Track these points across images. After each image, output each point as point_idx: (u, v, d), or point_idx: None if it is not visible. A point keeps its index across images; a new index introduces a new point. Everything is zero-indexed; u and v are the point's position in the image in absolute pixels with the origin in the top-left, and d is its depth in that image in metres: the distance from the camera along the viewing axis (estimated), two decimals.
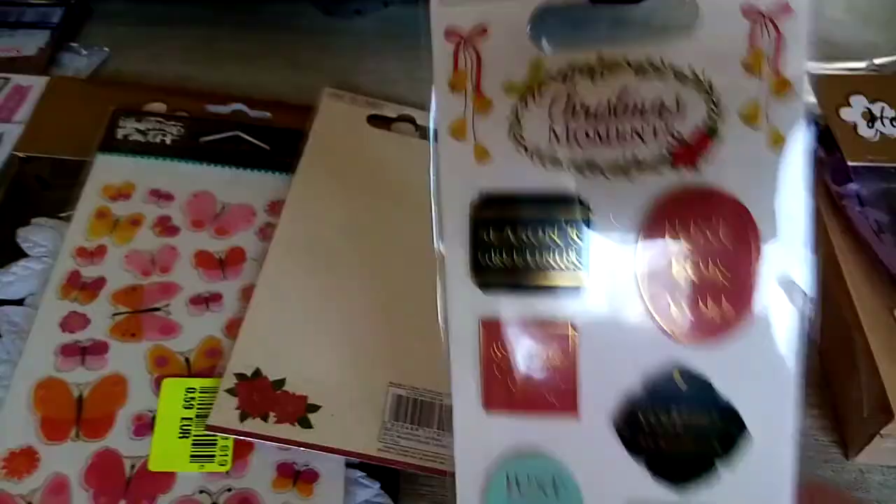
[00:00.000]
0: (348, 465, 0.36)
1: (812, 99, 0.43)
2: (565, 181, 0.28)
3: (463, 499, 0.29)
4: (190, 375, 0.38)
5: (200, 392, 0.37)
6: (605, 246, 0.28)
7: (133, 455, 0.35)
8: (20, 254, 0.41)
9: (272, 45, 0.57)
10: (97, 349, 0.38)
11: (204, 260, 0.42)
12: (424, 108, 0.51)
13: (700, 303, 0.27)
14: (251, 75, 0.54)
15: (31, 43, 0.54)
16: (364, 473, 0.37)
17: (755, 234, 0.27)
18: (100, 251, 0.41)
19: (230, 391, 0.37)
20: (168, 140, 0.46)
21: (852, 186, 0.41)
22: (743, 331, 0.27)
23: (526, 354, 0.29)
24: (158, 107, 0.49)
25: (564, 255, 0.28)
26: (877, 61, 0.49)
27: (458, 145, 0.29)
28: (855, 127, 0.42)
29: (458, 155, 0.29)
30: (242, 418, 0.36)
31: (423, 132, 0.51)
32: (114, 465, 0.35)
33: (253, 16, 0.58)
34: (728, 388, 0.28)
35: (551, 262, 0.28)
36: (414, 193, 0.46)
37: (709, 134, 0.27)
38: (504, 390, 0.29)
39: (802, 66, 0.26)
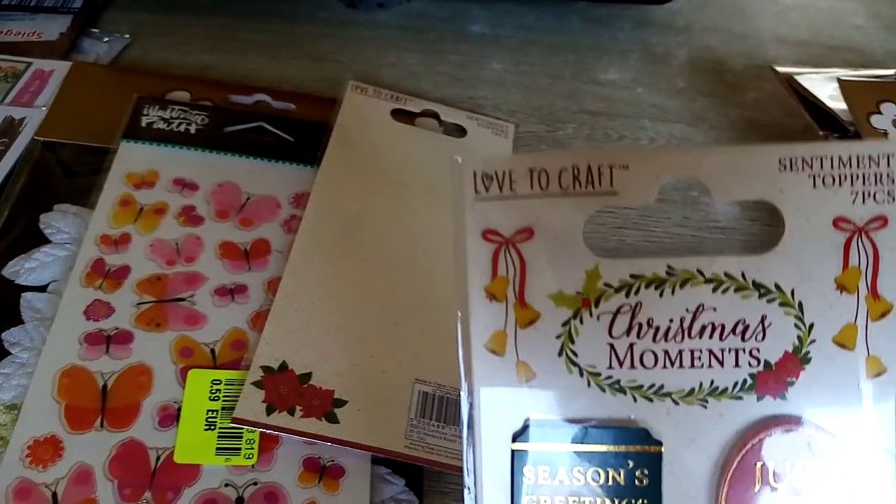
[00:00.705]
0: (374, 461, 0.36)
1: (842, 105, 0.43)
2: (629, 409, 0.24)
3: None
4: (215, 367, 0.37)
5: (226, 384, 0.37)
6: (678, 492, 0.24)
7: (158, 446, 0.35)
8: (43, 240, 0.41)
9: (294, 36, 0.56)
10: (122, 338, 0.38)
11: (229, 251, 0.41)
12: (447, 103, 0.52)
13: None
14: (273, 66, 0.54)
15: (52, 27, 0.53)
16: (390, 470, 0.36)
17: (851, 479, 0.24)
18: (124, 239, 0.41)
19: (256, 384, 0.36)
20: (192, 129, 0.46)
21: None
22: None
23: None
24: (182, 95, 0.49)
25: (630, 500, 0.24)
26: None
27: (497, 361, 0.25)
28: (886, 135, 0.42)
29: (497, 373, 0.25)
30: (269, 411, 0.35)
31: (446, 128, 0.51)
32: (139, 455, 0.35)
33: (276, 6, 0.58)
34: None
35: None
36: (438, 189, 0.46)
37: (799, 359, 0.24)
38: None
39: None
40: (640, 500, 0.24)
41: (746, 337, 0.24)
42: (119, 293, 0.39)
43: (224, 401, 0.36)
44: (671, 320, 0.24)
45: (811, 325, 0.24)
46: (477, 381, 0.25)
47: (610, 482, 0.24)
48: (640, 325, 0.24)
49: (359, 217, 0.43)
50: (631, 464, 0.24)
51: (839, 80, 0.44)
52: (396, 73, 0.54)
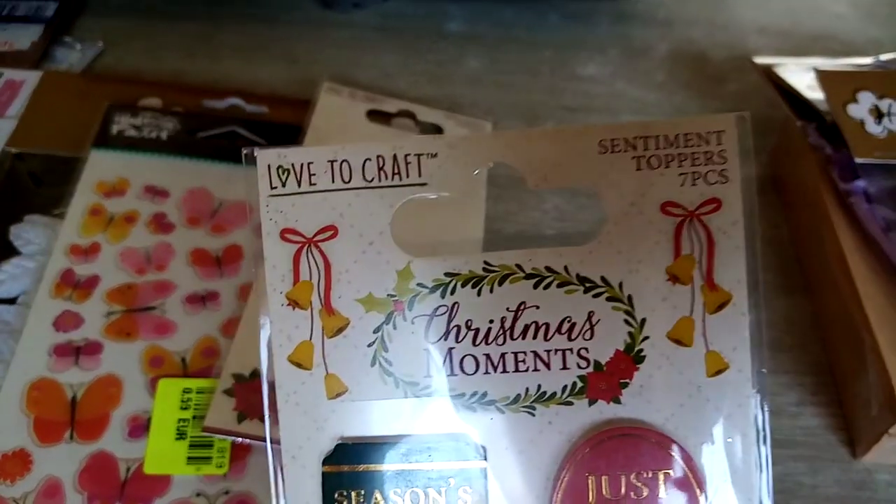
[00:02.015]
0: None
1: (819, 95, 0.43)
2: (450, 420, 0.22)
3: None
4: (186, 376, 0.37)
5: (197, 393, 0.36)
6: (511, 500, 0.22)
7: (128, 457, 0.35)
8: (12, 252, 0.41)
9: (269, 38, 0.56)
10: (91, 349, 0.37)
11: (200, 258, 0.41)
12: (424, 103, 0.51)
13: None
14: (248, 69, 0.53)
15: (23, 37, 0.53)
16: None
17: (696, 486, 0.22)
18: (94, 249, 0.40)
19: (227, 392, 0.36)
20: (163, 135, 0.46)
21: (860, 183, 0.40)
22: None
23: None
24: (154, 102, 0.48)
25: None
26: (883, 57, 0.48)
27: (303, 377, 0.23)
28: (862, 123, 0.41)
29: (304, 391, 0.23)
30: (240, 419, 0.35)
31: (423, 127, 0.50)
32: (108, 467, 0.34)
33: (250, 9, 0.57)
34: None
35: None
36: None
37: (632, 357, 0.22)
38: None
39: (741, 273, 0.22)
40: None
41: (573, 336, 0.22)
42: (89, 303, 0.39)
43: (195, 410, 0.36)
44: (491, 321, 0.22)
45: (643, 321, 0.22)
46: (281, 399, 0.23)
47: (430, 501, 0.22)
48: (459, 328, 0.22)
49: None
50: (453, 482, 0.22)
51: (815, 70, 0.43)
52: (373, 74, 0.54)
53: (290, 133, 0.46)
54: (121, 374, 0.37)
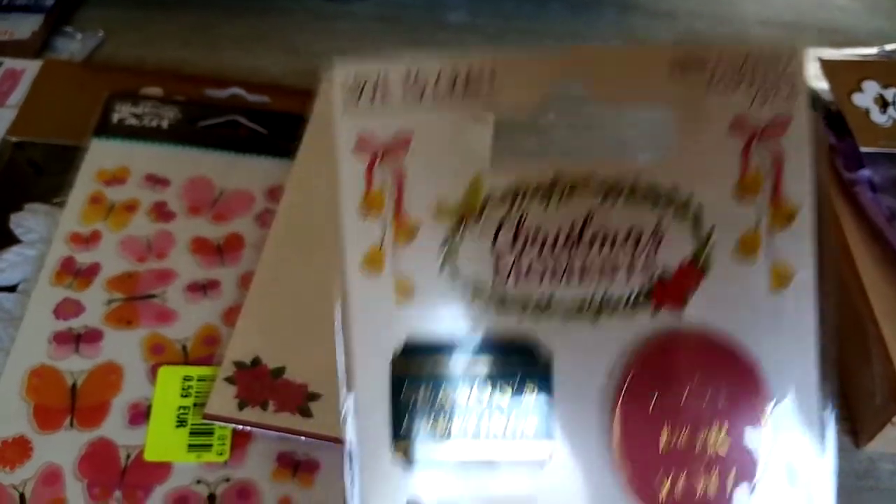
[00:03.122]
0: None
1: (823, 85, 0.42)
2: (515, 326, 0.22)
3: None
4: (187, 363, 0.37)
5: (198, 380, 0.36)
6: (570, 408, 0.22)
7: (128, 444, 0.34)
8: (13, 240, 0.40)
9: (269, 29, 0.56)
10: (91, 337, 0.37)
11: (201, 246, 0.41)
12: None
13: (692, 478, 0.22)
14: (249, 59, 0.53)
15: (24, 26, 0.53)
16: None
17: (760, 395, 0.22)
18: (94, 237, 0.40)
19: (228, 379, 0.36)
20: (164, 124, 0.45)
21: (864, 173, 0.40)
22: None
23: None
24: (155, 91, 0.48)
25: (518, 420, 0.22)
26: (888, 47, 0.48)
27: (373, 281, 0.23)
28: (867, 113, 0.41)
29: (374, 293, 0.23)
30: (241, 407, 0.35)
31: None
32: (108, 454, 0.34)
33: (252, 0, 0.57)
34: None
35: (501, 429, 0.22)
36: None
37: (698, 270, 0.22)
38: None
39: (807, 188, 0.22)
40: (529, 418, 0.22)
41: (640, 246, 0.22)
42: (89, 291, 0.38)
43: (195, 397, 0.36)
44: (559, 230, 0.22)
45: (709, 234, 0.22)
46: (353, 304, 0.23)
47: (496, 400, 0.22)
48: (526, 237, 0.22)
49: (335, 209, 0.43)
50: (519, 380, 0.22)
51: (820, 60, 0.43)
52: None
53: (291, 123, 0.46)
54: (121, 362, 0.36)
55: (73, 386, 0.36)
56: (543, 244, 0.22)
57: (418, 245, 0.23)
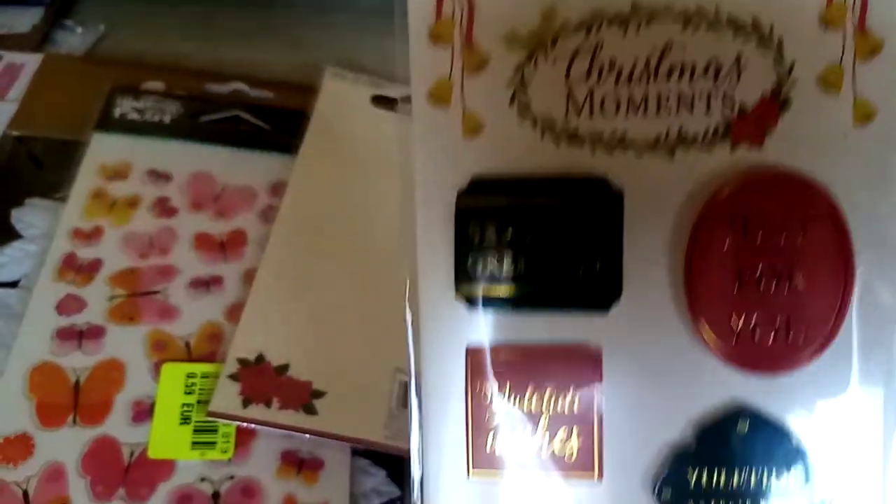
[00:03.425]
0: (354, 452, 0.35)
1: None
2: (587, 161, 0.21)
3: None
4: (190, 360, 0.36)
5: (201, 377, 0.36)
6: (641, 246, 0.21)
7: (132, 442, 0.34)
8: (13, 235, 0.40)
9: (272, 22, 0.55)
10: (94, 333, 0.37)
11: (204, 242, 0.40)
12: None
13: (769, 323, 0.21)
14: (251, 54, 0.53)
15: (23, 20, 0.52)
16: (370, 461, 0.36)
17: (844, 236, 0.21)
18: (96, 232, 0.40)
19: (232, 376, 0.35)
20: (166, 119, 0.45)
21: None
22: (827, 363, 0.21)
23: (528, 395, 0.22)
24: (156, 85, 0.48)
25: (587, 259, 0.21)
26: None
27: (440, 114, 0.22)
28: None
29: (440, 127, 0.22)
30: (245, 404, 0.35)
31: None
32: (112, 452, 0.34)
33: None
34: (806, 436, 0.21)
35: (568, 267, 0.21)
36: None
37: (779, 104, 0.21)
38: (496, 445, 0.22)
39: (893, 20, 0.21)
40: (598, 257, 0.21)
41: (719, 78, 0.21)
42: (91, 287, 0.38)
43: (199, 394, 0.35)
44: (636, 61, 0.21)
45: (792, 65, 0.21)
46: (419, 136, 0.22)
47: (564, 238, 0.21)
48: (602, 67, 0.21)
49: (338, 206, 0.43)
50: (588, 218, 0.21)
51: None
52: (377, 58, 0.53)
53: (294, 118, 0.46)
54: (124, 359, 0.36)
55: (76, 383, 0.35)
56: (619, 75, 0.21)
57: (488, 77, 0.21)
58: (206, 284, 0.39)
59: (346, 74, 0.50)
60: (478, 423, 0.22)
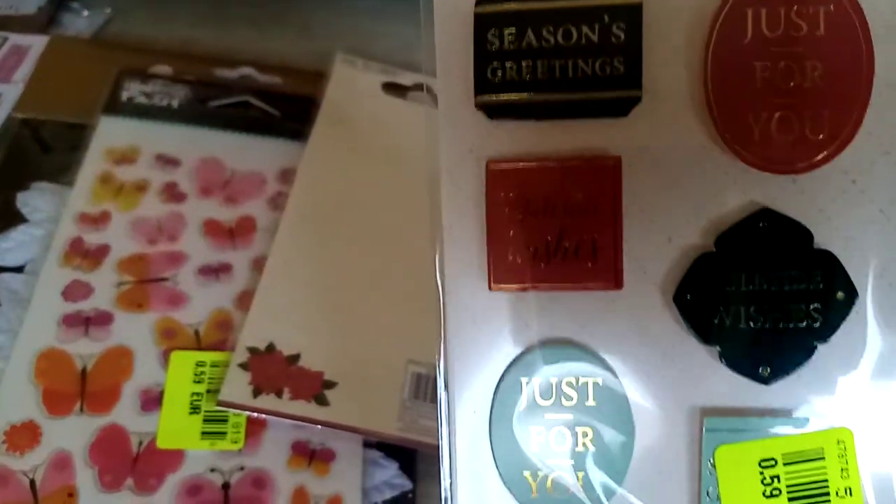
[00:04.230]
0: (366, 444, 0.35)
1: None
2: None
3: (460, 419, 0.22)
4: (199, 348, 0.36)
5: (211, 366, 0.35)
6: (661, 50, 0.21)
7: (140, 431, 0.34)
8: (19, 219, 0.39)
9: (283, 8, 0.54)
10: (102, 319, 0.36)
11: (213, 229, 0.40)
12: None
13: (789, 121, 0.20)
14: (261, 39, 0.52)
15: (29, 1, 0.51)
16: (382, 453, 0.35)
17: (863, 27, 0.20)
18: (103, 217, 0.39)
19: (242, 365, 0.35)
20: (175, 104, 0.44)
21: None
22: (849, 156, 0.20)
23: (549, 204, 0.21)
24: (164, 70, 0.47)
25: (605, 59, 0.21)
26: None
27: None
28: None
29: None
30: (255, 394, 0.34)
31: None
32: (120, 441, 0.33)
33: None
34: (828, 233, 0.21)
35: (588, 71, 0.20)
36: (432, 164, 0.45)
37: None
38: (516, 259, 0.21)
39: None
40: (617, 59, 0.20)
41: None
42: (98, 273, 0.37)
43: (209, 383, 0.35)
44: None
45: None
46: None
47: (583, 40, 0.20)
48: None
49: (348, 193, 0.42)
50: (607, 18, 0.20)
51: None
52: (390, 45, 0.52)
53: (303, 104, 0.45)
54: (132, 346, 0.36)
55: (83, 370, 0.35)
56: None
57: None
58: (215, 272, 0.38)
59: (357, 61, 0.49)
60: (496, 234, 0.21)
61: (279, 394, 0.34)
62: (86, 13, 0.52)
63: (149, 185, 0.41)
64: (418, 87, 0.49)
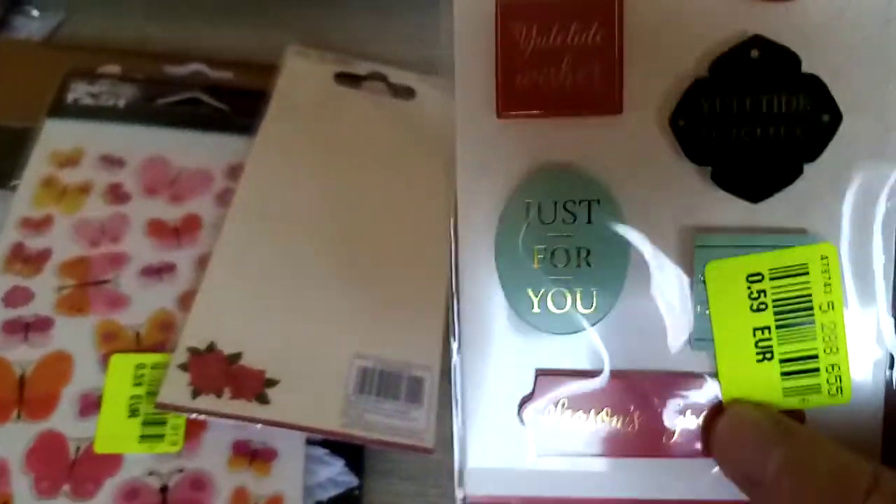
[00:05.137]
0: (309, 442, 0.34)
1: None
2: None
3: (467, 240, 0.24)
4: (140, 350, 0.35)
5: (151, 368, 0.35)
6: None
7: (79, 437, 0.33)
8: None
9: (238, 2, 0.53)
10: (41, 325, 0.36)
11: (157, 229, 0.39)
12: (400, 65, 0.49)
13: None
14: (215, 33, 0.51)
15: None
16: (327, 450, 0.34)
17: None
18: (46, 221, 0.39)
19: (182, 366, 0.34)
20: (121, 103, 0.44)
21: None
22: None
23: (555, 37, 0.22)
24: (113, 69, 0.46)
25: None
26: None
27: None
28: None
29: None
30: (195, 395, 0.34)
31: (395, 90, 0.48)
32: (58, 447, 0.33)
33: None
34: (816, 59, 0.22)
35: None
36: (383, 154, 0.44)
37: None
38: (523, 87, 0.23)
39: None
40: None
41: None
42: (40, 278, 0.37)
43: (149, 386, 0.34)
44: None
45: None
46: None
47: None
48: None
49: (296, 186, 0.41)
50: None
51: None
52: (347, 36, 0.52)
53: (255, 99, 0.44)
54: (72, 351, 0.35)
55: (22, 377, 0.34)
56: None
57: None
58: (157, 272, 0.38)
59: (310, 53, 0.48)
60: (505, 66, 0.23)
61: (219, 394, 0.34)
62: (37, 14, 0.52)
63: (92, 187, 0.40)
64: (374, 76, 0.48)
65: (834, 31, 0.22)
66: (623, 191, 0.24)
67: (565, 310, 0.24)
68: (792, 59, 0.22)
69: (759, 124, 0.22)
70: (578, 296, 0.24)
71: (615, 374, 0.24)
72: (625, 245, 0.24)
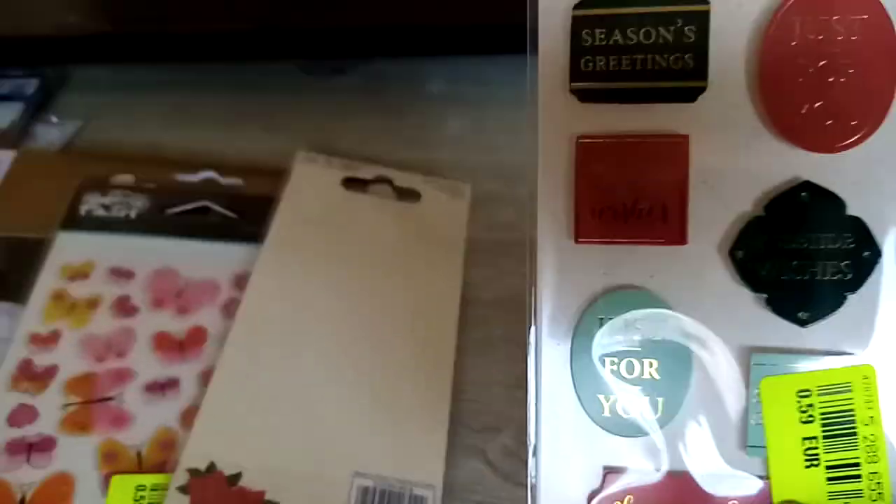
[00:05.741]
0: None
1: None
2: None
3: (546, 349, 0.27)
4: (141, 471, 0.35)
5: (151, 490, 0.35)
6: (724, 47, 0.25)
7: None
8: None
9: (249, 107, 0.55)
10: (44, 445, 0.36)
11: (162, 342, 0.40)
12: (404, 167, 0.50)
13: (828, 111, 0.25)
14: (226, 139, 0.53)
15: (2, 115, 0.53)
16: None
17: (891, 35, 0.24)
18: (54, 337, 0.39)
19: (181, 489, 0.34)
20: (132, 214, 0.45)
21: None
22: (879, 138, 0.25)
23: (628, 173, 0.26)
24: (126, 179, 0.48)
25: (678, 55, 0.25)
26: None
27: None
28: None
29: None
30: None
31: (400, 193, 0.49)
32: None
33: (230, 76, 0.57)
34: (859, 203, 0.25)
35: (663, 63, 0.25)
36: (388, 259, 0.44)
37: None
38: (599, 217, 0.26)
39: None
40: (688, 55, 0.25)
41: None
42: (45, 395, 0.37)
43: None
44: None
45: None
46: None
47: (660, 40, 0.25)
48: None
49: (301, 296, 0.41)
50: (680, 22, 0.25)
51: None
52: (353, 140, 0.53)
53: (264, 206, 0.45)
54: (74, 472, 0.35)
55: (22, 500, 0.34)
56: None
57: None
58: (161, 388, 0.38)
59: (318, 158, 0.49)
60: (582, 198, 0.26)
61: None
62: (56, 122, 0.53)
63: (101, 301, 0.41)
64: (379, 180, 0.49)
65: (874, 178, 0.25)
66: (687, 312, 0.26)
67: (633, 415, 0.26)
68: (838, 203, 0.25)
69: (809, 258, 0.26)
70: (645, 403, 0.26)
71: (676, 474, 0.26)
72: (688, 360, 0.26)
